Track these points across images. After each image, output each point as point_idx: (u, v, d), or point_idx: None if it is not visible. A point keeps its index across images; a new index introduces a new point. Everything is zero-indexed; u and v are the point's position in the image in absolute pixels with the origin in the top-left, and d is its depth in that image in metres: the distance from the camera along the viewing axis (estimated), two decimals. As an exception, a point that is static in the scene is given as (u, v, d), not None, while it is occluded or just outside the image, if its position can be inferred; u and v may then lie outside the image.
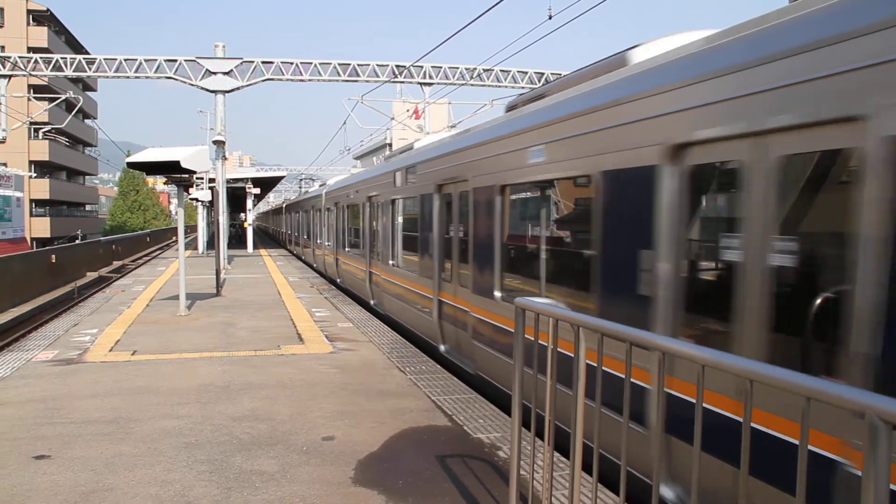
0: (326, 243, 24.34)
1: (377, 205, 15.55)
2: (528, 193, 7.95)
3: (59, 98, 35.75)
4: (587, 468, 3.95)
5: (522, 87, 29.68)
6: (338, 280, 21.47)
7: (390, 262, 14.14)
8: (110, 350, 10.42)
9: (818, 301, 3.76)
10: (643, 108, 5.21)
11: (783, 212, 4.04)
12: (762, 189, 4.09)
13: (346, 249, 20.17)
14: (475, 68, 29.13)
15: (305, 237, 32.43)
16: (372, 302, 16.16)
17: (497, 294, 8.17)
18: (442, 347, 10.57)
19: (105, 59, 28.34)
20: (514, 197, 8.12)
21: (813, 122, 3.70)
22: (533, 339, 3.96)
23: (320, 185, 31.82)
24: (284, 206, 54.12)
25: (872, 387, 3.28)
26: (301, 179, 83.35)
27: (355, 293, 18.28)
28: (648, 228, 5.07)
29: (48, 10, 63.10)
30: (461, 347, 9.63)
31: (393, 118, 35.08)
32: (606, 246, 5.72)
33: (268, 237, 67.17)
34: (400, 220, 13.74)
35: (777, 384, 2.39)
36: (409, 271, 12.73)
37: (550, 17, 16.04)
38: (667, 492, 4.74)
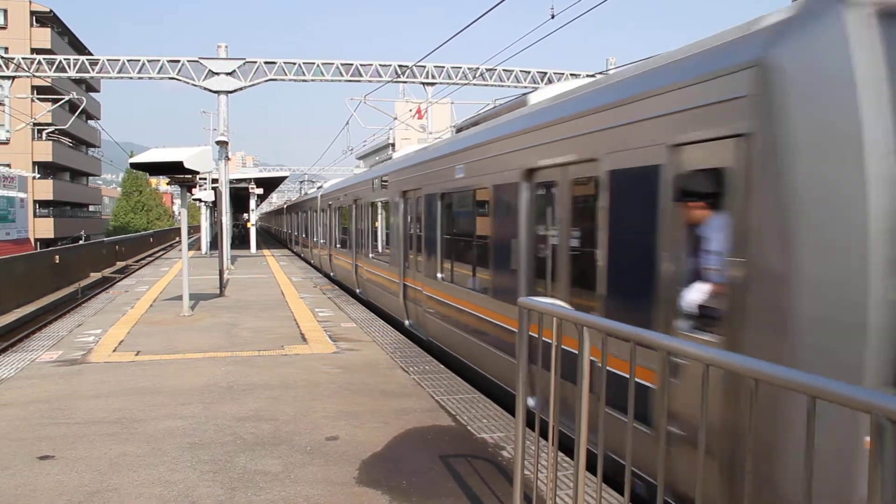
0: (321, 241, 26.81)
1: (360, 207, 18.16)
2: (456, 199, 10.46)
3: (62, 99, 35.86)
4: (591, 468, 3.94)
5: (525, 87, 29.66)
6: (331, 274, 23.64)
7: (370, 255, 16.70)
8: (114, 350, 10.43)
9: (592, 261, 5.93)
10: (511, 144, 7.85)
11: (574, 213, 6.54)
12: (566, 199, 6.61)
13: (337, 246, 22.62)
14: (478, 68, 29.11)
15: (304, 236, 34.67)
16: (357, 290, 18.43)
17: (439, 275, 10.74)
18: (406, 322, 12.94)
19: (108, 59, 28.37)
20: (448, 202, 10.72)
21: (579, 160, 6.26)
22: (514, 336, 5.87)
23: (317, 188, 33.84)
24: (285, 207, 56.72)
25: (604, 305, 5.61)
26: (301, 182, 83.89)
27: (346, 285, 20.38)
28: (517, 224, 7.49)
29: (51, 11, 63.21)
30: (418, 320, 12.12)
31: (396, 118, 35.07)
32: (496, 236, 8.26)
33: (271, 237, 67.24)
34: (379, 220, 16.28)
35: (782, 383, 2.41)
36: (382, 262, 15.33)
37: (553, 17, 16.02)
38: (530, 401, 6.12)
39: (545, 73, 30.07)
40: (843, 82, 3.73)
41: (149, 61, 27.97)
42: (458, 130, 11.73)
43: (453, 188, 10.14)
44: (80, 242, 48.46)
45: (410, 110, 37.63)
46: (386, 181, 14.78)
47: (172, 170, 13.42)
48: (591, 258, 5.97)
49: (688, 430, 4.43)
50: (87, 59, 29.23)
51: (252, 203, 38.54)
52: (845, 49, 3.73)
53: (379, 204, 15.90)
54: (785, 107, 3.89)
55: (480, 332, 8.69)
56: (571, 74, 30.46)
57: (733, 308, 4.19)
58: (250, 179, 37.58)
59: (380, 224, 16.12)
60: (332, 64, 29.05)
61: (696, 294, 4.63)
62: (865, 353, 3.53)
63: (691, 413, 4.16)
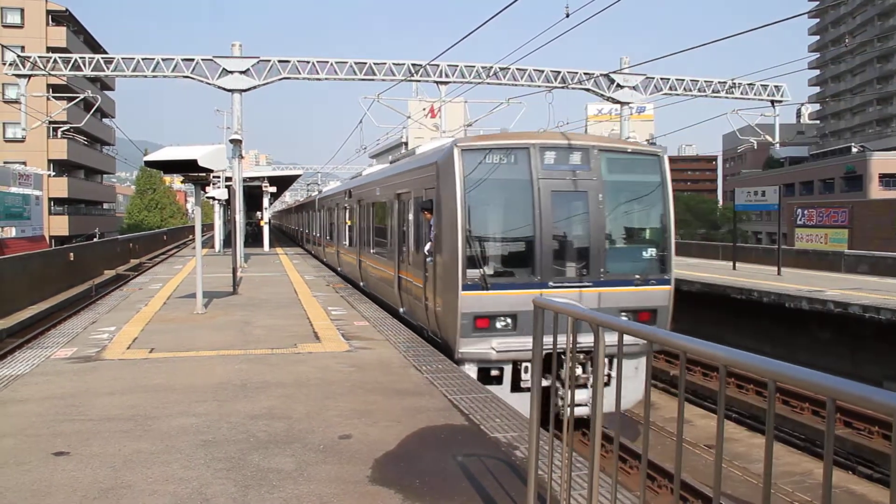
0: (315, 235, 34.46)
1: (338, 209, 25.02)
2: (374, 205, 18.04)
3: (77, 97, 36.05)
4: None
5: (539, 87, 29.58)
6: (324, 259, 29.77)
7: (345, 243, 23.14)
8: (128, 348, 10.47)
9: (413, 235, 13.56)
10: (392, 179, 15.51)
11: (405, 214, 14.18)
12: (402, 208, 14.35)
13: (327, 238, 29.00)
14: (491, 67, 29.04)
15: (306, 232, 40.81)
16: (338, 269, 24.57)
17: (371, 250, 18.18)
18: (360, 283, 19.65)
19: (123, 58, 28.49)
20: (371, 207, 18.42)
21: (404, 191, 14.12)
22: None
23: (318, 191, 42.10)
24: (294, 206, 64.01)
25: (409, 252, 14.11)
26: (308, 184, 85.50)
27: (329, 263, 27.52)
28: (393, 219, 15.09)
29: (67, 10, 63.63)
30: (362, 277, 19.81)
31: (409, 117, 35.07)
32: (389, 227, 15.63)
33: (284, 235, 67.44)
34: (348, 219, 22.51)
35: (799, 384, 2.39)
36: (349, 247, 22.17)
37: (567, 16, 15.97)
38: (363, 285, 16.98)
39: (559, 73, 29.99)
40: (453, 173, 10.80)
41: (163, 60, 28.07)
42: (372, 157, 28.40)
43: (373, 200, 17.93)
44: (95, 240, 48.75)
45: (424, 109, 37.55)
46: (349, 191, 22.55)
47: (187, 168, 13.44)
48: (416, 235, 13.30)
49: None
50: (102, 58, 29.38)
51: (265, 201, 38.62)
52: (453, 160, 10.85)
53: (347, 207, 22.51)
54: (440, 179, 11.41)
55: (383, 278, 16.59)
56: (585, 74, 30.38)
57: (434, 251, 11.69)
58: (263, 178, 37.63)
59: (349, 222, 22.39)
60: (346, 63, 29.06)
61: (427, 246, 12.09)
62: (458, 270, 10.65)
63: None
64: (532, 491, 4.20)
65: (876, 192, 63.73)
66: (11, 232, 42.16)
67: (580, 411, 9.62)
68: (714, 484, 2.79)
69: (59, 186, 61.61)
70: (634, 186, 11.85)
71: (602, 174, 11.31)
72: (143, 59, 28.09)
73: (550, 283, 10.94)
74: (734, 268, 23.94)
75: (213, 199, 31.23)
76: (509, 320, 10.98)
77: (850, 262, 25.29)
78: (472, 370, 10.77)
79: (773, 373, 2.46)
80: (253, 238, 45.16)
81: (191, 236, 71.29)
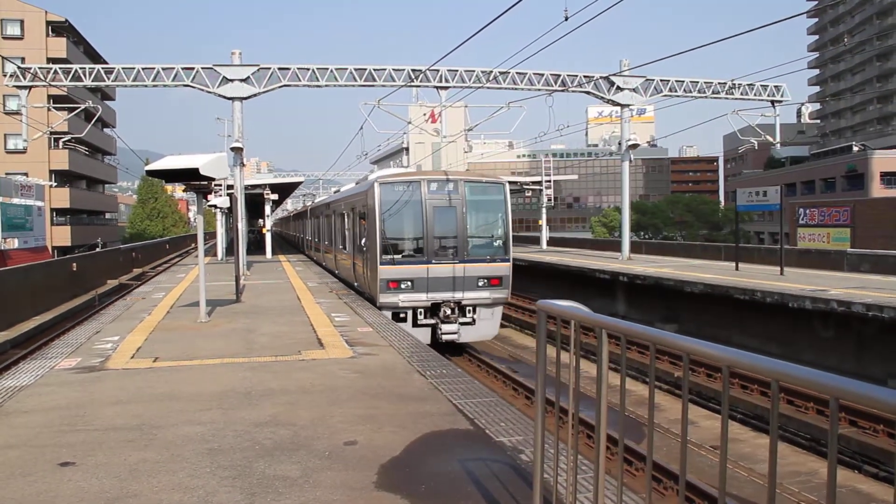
0: (308, 239, 41.39)
1: (319, 217, 33.70)
2: (334, 214, 25.98)
3: (78, 108, 36.12)
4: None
5: (539, 90, 29.58)
6: (313, 257, 36.36)
7: (325, 241, 30.12)
8: (132, 357, 10.49)
9: (351, 233, 22.98)
10: (349, 198, 23.22)
11: (337, 223, 25.54)
12: (337, 218, 25.26)
13: (315, 240, 36.12)
14: (491, 71, 29.04)
15: (303, 237, 47.36)
16: (313, 258, 34.55)
17: (340, 246, 24.60)
18: (336, 271, 25.95)
19: (123, 68, 28.50)
20: (331, 216, 27.31)
21: (352, 205, 22.12)
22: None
23: (310, 203, 50.24)
24: (292, 215, 70.47)
25: (349, 247, 23.10)
26: (303, 195, 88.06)
27: (310, 254, 37.28)
28: (344, 225, 23.92)
29: (67, 21, 63.75)
30: (335, 266, 26.30)
31: (410, 122, 35.11)
32: (342, 230, 24.26)
33: (286, 242, 67.55)
34: (323, 225, 30.51)
35: (803, 383, 2.39)
36: (325, 245, 29.78)
37: (567, 19, 16.01)
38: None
39: (559, 76, 29.98)
40: (374, 196, 18.22)
41: (163, 69, 28.09)
42: (335, 191, 38.87)
43: (340, 211, 24.44)
44: (97, 250, 48.79)
45: (424, 114, 37.56)
46: (328, 204, 29.88)
47: (188, 176, 13.46)
48: (360, 234, 20.05)
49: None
50: (103, 68, 29.44)
51: (267, 209, 38.68)
52: (374, 189, 18.30)
53: (326, 216, 29.72)
54: (367, 200, 18.86)
55: (343, 265, 23.26)
56: (585, 77, 30.40)
57: (367, 243, 19.02)
58: (265, 185, 37.71)
59: (325, 227, 30.07)
60: (346, 69, 29.07)
61: (362, 242, 19.57)
62: (378, 253, 17.99)
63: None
64: (538, 494, 4.21)
65: (878, 190, 63.70)
66: (14, 243, 42.20)
67: (448, 337, 18.03)
68: (720, 485, 2.79)
69: (61, 197, 61.66)
70: (486, 203, 19.03)
71: (465, 195, 18.39)
72: (143, 69, 28.11)
73: (433, 261, 18.08)
74: (737, 268, 23.91)
75: (215, 207, 31.38)
76: (410, 283, 17.98)
77: (853, 260, 25.24)
78: (388, 314, 16.63)
79: (776, 373, 2.46)
80: (255, 245, 45.20)
81: (193, 245, 71.35)
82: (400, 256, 18.09)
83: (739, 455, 11.93)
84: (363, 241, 19.39)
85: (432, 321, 18.28)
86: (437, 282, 17.99)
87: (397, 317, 17.51)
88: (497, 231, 18.95)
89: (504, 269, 18.50)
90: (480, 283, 18.21)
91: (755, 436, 13.17)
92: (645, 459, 9.01)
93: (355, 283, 21.18)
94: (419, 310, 18.12)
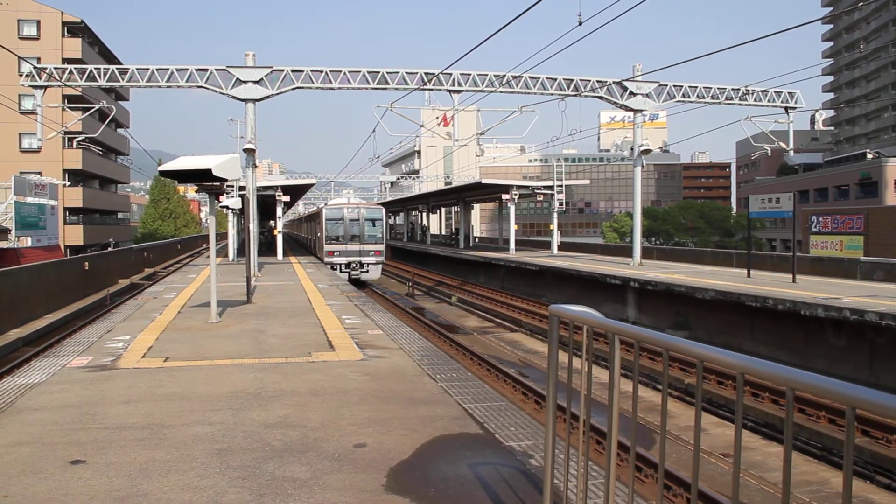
0: (309, 238, 53.06)
1: (312, 223, 50.71)
2: (317, 222, 42.36)
3: (92, 108, 36.34)
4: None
5: (551, 95, 29.58)
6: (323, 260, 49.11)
7: (320, 243, 40.05)
8: (143, 356, 10.52)
9: (310, 236, 49.75)
10: (324, 214, 40.19)
11: (318, 226, 42.33)
12: (317, 223, 42.75)
13: (310, 237, 52.07)
14: (504, 75, 29.04)
15: (308, 238, 56.12)
16: (317, 256, 44.18)
17: (326, 247, 38.90)
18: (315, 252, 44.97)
19: (137, 68, 28.66)
20: (307, 225, 57.13)
21: (315, 217, 47.46)
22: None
23: (314, 208, 67.86)
24: (304, 217, 79.31)
25: (317, 246, 43.89)
26: (306, 203, 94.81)
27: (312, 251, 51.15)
28: (314, 229, 46.56)
29: (82, 21, 64.15)
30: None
31: (422, 125, 35.21)
32: (312, 234, 48.94)
33: (297, 244, 67.95)
34: (314, 226, 46.63)
35: (818, 392, 2.36)
36: (315, 240, 45.81)
37: (580, 24, 15.99)
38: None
39: (571, 80, 29.94)
40: (321, 214, 40.55)
41: (177, 70, 28.21)
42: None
43: (318, 220, 41.13)
44: (109, 249, 49.04)
45: (437, 118, 37.60)
46: (313, 213, 52.46)
47: (201, 177, 13.50)
48: (313, 235, 47.04)
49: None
50: (117, 69, 29.58)
51: (279, 210, 38.82)
52: (322, 211, 40.96)
53: (314, 221, 46.65)
54: (319, 216, 40.90)
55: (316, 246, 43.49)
56: (598, 81, 30.35)
57: (320, 237, 40.01)
58: (277, 187, 37.87)
59: (313, 227, 46.31)
60: (359, 72, 29.13)
61: (318, 234, 39.45)
62: (324, 241, 38.50)
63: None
64: (548, 499, 4.19)
65: (892, 198, 63.30)
66: (27, 241, 42.45)
67: (355, 276, 37.33)
68: (732, 493, 2.77)
69: (74, 196, 62.04)
70: (374, 217, 38.48)
71: (364, 214, 38.26)
72: (157, 70, 28.26)
73: (348, 246, 37.48)
74: (749, 275, 23.81)
75: (227, 208, 31.46)
76: (338, 253, 37.42)
77: (866, 269, 25.09)
78: (329, 269, 32.08)
79: (791, 381, 2.44)
80: (266, 247, 45.38)
81: (205, 245, 71.71)
82: (334, 242, 37.80)
83: (750, 463, 11.87)
84: (318, 234, 40.45)
85: (348, 271, 36.97)
86: (351, 252, 37.44)
87: (332, 268, 34.76)
88: (378, 231, 38.43)
89: (381, 247, 38.33)
90: (371, 253, 37.89)
91: (766, 444, 13.10)
92: (656, 466, 8.99)
93: (317, 255, 40.59)
94: (342, 265, 37.13)
